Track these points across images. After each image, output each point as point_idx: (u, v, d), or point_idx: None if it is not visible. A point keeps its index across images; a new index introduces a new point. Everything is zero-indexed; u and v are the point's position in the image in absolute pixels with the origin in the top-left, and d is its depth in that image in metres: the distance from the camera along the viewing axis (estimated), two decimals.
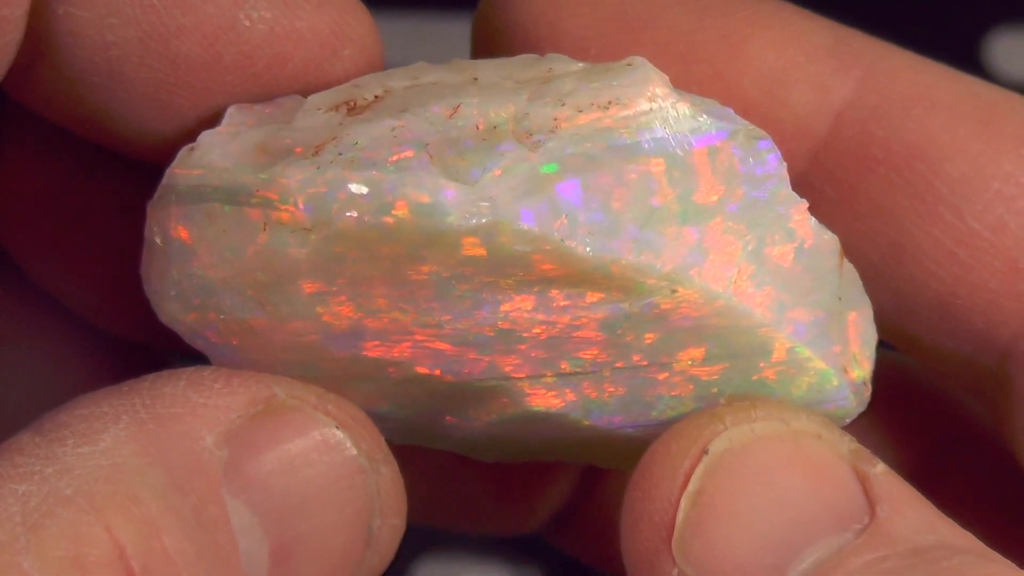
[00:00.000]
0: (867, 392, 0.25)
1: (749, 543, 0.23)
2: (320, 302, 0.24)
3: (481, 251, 0.23)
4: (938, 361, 0.28)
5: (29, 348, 0.31)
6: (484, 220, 0.22)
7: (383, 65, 0.26)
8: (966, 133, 0.26)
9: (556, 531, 0.34)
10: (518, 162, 0.23)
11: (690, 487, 0.23)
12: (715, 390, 0.25)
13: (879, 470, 0.23)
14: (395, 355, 0.24)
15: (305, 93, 0.25)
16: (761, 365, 0.24)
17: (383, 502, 0.24)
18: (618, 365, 0.24)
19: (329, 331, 0.24)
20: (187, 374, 0.24)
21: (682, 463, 0.23)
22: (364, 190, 0.23)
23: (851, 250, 0.25)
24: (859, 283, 0.25)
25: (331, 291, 0.24)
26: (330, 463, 0.24)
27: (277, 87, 0.25)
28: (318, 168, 0.23)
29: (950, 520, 0.23)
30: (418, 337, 0.24)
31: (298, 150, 0.23)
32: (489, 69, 0.24)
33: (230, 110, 0.25)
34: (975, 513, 0.26)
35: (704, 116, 0.23)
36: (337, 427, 0.24)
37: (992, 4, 0.48)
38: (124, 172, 0.28)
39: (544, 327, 0.24)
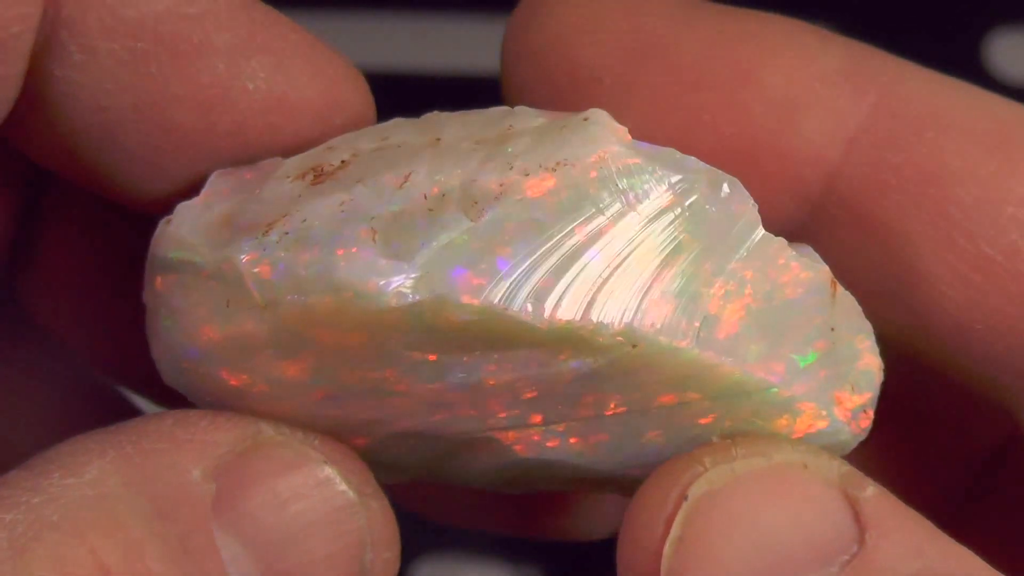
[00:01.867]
0: (866, 420, 0.25)
1: None
2: (288, 374, 0.24)
3: (429, 324, 0.23)
4: (961, 381, 0.28)
5: (29, 393, 0.31)
6: (422, 297, 0.22)
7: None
8: (979, 156, 0.26)
9: None
10: (460, 233, 0.23)
11: (672, 534, 0.23)
12: (699, 431, 0.24)
13: (869, 493, 0.23)
14: (373, 415, 0.24)
15: (293, 155, 0.25)
16: (744, 407, 0.24)
17: (374, 535, 0.24)
18: (598, 414, 0.24)
19: (307, 397, 0.24)
20: (173, 414, 0.24)
21: (663, 510, 0.23)
22: (303, 273, 0.23)
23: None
24: (857, 309, 0.25)
25: (296, 363, 0.24)
26: (320, 498, 0.24)
27: (269, 153, 0.25)
28: (264, 249, 0.23)
29: (944, 539, 0.23)
30: (389, 400, 0.24)
31: (252, 227, 0.24)
32: (454, 127, 0.24)
33: (212, 177, 0.25)
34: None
35: (658, 170, 0.23)
36: (326, 462, 0.24)
37: (992, 4, 0.48)
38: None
39: (512, 383, 0.24)
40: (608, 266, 0.23)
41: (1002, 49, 0.49)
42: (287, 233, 0.23)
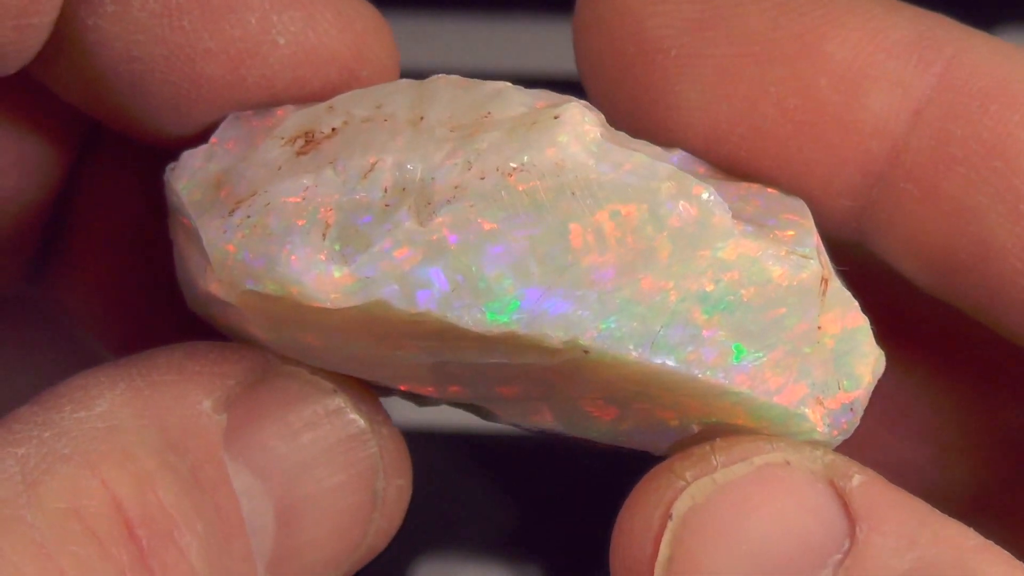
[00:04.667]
0: (855, 416, 0.24)
1: None
2: (267, 338, 0.24)
3: (377, 318, 0.23)
4: None
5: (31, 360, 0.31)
6: (362, 301, 0.22)
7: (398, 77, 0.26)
8: None
9: None
10: (407, 235, 0.23)
11: (660, 555, 0.23)
12: (673, 426, 0.24)
13: (856, 482, 0.23)
14: (368, 376, 0.25)
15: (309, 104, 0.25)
16: (718, 405, 0.23)
17: (386, 463, 0.24)
18: (569, 398, 0.24)
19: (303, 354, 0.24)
20: (183, 346, 0.24)
21: (649, 530, 0.23)
22: (255, 264, 0.23)
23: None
24: (853, 304, 0.24)
25: (272, 333, 0.24)
26: (331, 427, 0.24)
27: (294, 102, 0.25)
28: (226, 231, 0.23)
29: (937, 522, 0.23)
30: (378, 369, 0.24)
31: (227, 198, 0.24)
32: (442, 104, 0.24)
33: (225, 121, 0.25)
34: None
35: (617, 175, 0.23)
36: (336, 391, 0.24)
37: (992, 4, 0.48)
38: None
39: (481, 368, 0.23)
40: (565, 267, 0.23)
41: None
42: (249, 216, 0.23)
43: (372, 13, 0.26)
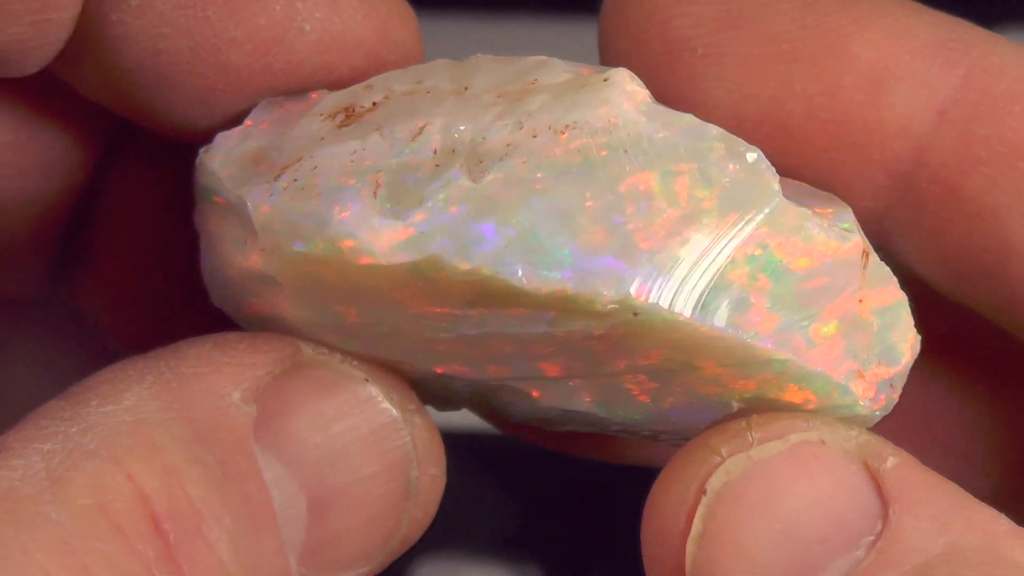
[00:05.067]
0: (893, 394, 0.24)
1: None
2: (305, 314, 0.24)
3: (428, 278, 0.22)
4: None
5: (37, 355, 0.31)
6: (415, 257, 0.22)
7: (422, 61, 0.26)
8: None
9: None
10: (460, 192, 0.23)
11: (694, 529, 0.22)
12: (715, 398, 0.24)
13: (890, 464, 0.23)
14: (399, 357, 0.24)
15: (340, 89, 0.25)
16: (757, 377, 0.23)
17: (420, 452, 0.24)
18: (609, 373, 0.24)
19: (336, 333, 0.24)
20: (212, 338, 0.24)
21: (683, 504, 0.23)
22: (303, 224, 0.23)
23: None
24: (893, 280, 0.24)
25: (311, 306, 0.24)
26: (363, 416, 0.24)
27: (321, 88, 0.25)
28: (272, 195, 0.23)
29: (970, 507, 0.23)
30: (412, 346, 0.24)
31: (270, 168, 0.24)
32: (485, 75, 0.24)
33: (259, 105, 0.25)
34: None
35: (672, 137, 0.23)
36: (367, 380, 0.24)
37: (992, 4, 0.48)
38: None
39: (523, 338, 0.23)
40: (614, 230, 0.22)
41: None
42: (295, 180, 0.23)
43: None
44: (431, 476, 0.24)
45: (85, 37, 0.25)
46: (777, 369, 0.23)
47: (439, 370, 0.24)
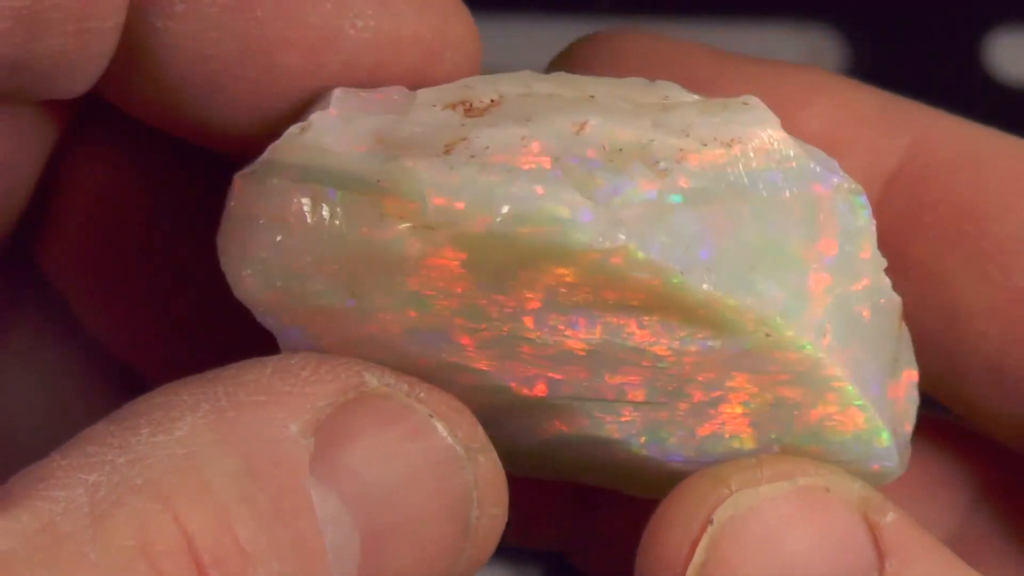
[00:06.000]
0: (908, 453, 0.25)
1: None
2: (418, 300, 0.23)
3: (596, 272, 0.22)
4: (991, 422, 0.28)
5: (34, 358, 0.31)
6: (612, 244, 0.22)
7: (480, 68, 0.25)
8: (1013, 193, 0.26)
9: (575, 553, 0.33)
10: (646, 188, 0.23)
11: (696, 558, 0.23)
12: (774, 436, 0.24)
13: (889, 519, 0.23)
14: (476, 365, 0.24)
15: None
16: (822, 415, 0.24)
17: (481, 492, 0.23)
18: (685, 402, 0.24)
19: (417, 329, 0.23)
20: (274, 361, 0.23)
21: (688, 533, 0.23)
22: (499, 195, 0.22)
23: (906, 314, 0.25)
24: (912, 346, 0.25)
25: (433, 292, 0.23)
26: (424, 452, 0.23)
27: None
28: (451, 167, 0.22)
29: (961, 568, 0.23)
30: (505, 349, 0.23)
31: (423, 146, 0.23)
32: (602, 88, 0.24)
33: (337, 92, 0.24)
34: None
35: (814, 164, 0.23)
36: (431, 415, 0.23)
37: (992, 4, 0.48)
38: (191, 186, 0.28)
39: (629, 354, 0.23)
40: (769, 250, 0.23)
41: (1002, 49, 0.49)
42: (473, 156, 0.22)
43: None
44: (491, 516, 0.23)
45: (130, 48, 0.24)
46: (848, 412, 0.24)
47: (512, 385, 0.24)
